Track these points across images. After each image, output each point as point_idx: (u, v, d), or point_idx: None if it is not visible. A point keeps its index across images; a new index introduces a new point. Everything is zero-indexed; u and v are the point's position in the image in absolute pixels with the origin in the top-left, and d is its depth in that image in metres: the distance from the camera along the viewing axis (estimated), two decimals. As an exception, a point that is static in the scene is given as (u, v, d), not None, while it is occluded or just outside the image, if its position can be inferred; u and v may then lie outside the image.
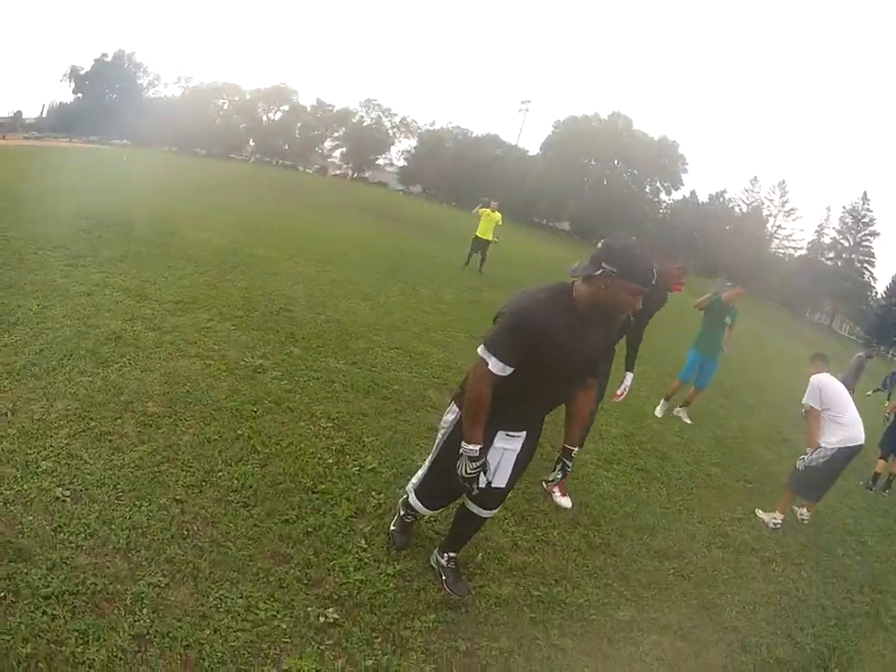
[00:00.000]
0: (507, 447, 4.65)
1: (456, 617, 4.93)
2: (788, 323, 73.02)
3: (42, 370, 7.03)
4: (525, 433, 4.71)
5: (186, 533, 4.99)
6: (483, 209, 23.83)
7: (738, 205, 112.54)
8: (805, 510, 8.98)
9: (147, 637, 4.03)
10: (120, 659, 3.85)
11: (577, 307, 4.16)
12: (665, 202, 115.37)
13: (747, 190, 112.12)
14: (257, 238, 18.99)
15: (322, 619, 4.53)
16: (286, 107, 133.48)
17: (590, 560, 6.25)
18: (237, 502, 5.53)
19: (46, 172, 29.40)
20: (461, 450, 4.41)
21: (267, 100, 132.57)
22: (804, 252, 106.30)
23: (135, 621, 4.10)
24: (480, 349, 4.29)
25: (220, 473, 5.88)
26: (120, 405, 6.65)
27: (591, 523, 7.01)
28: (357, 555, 5.28)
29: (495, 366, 4.21)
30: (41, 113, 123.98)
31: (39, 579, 4.22)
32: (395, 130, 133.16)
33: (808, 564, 7.66)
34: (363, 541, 5.47)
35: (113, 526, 4.84)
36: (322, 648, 4.33)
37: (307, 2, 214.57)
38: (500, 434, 4.59)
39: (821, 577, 7.43)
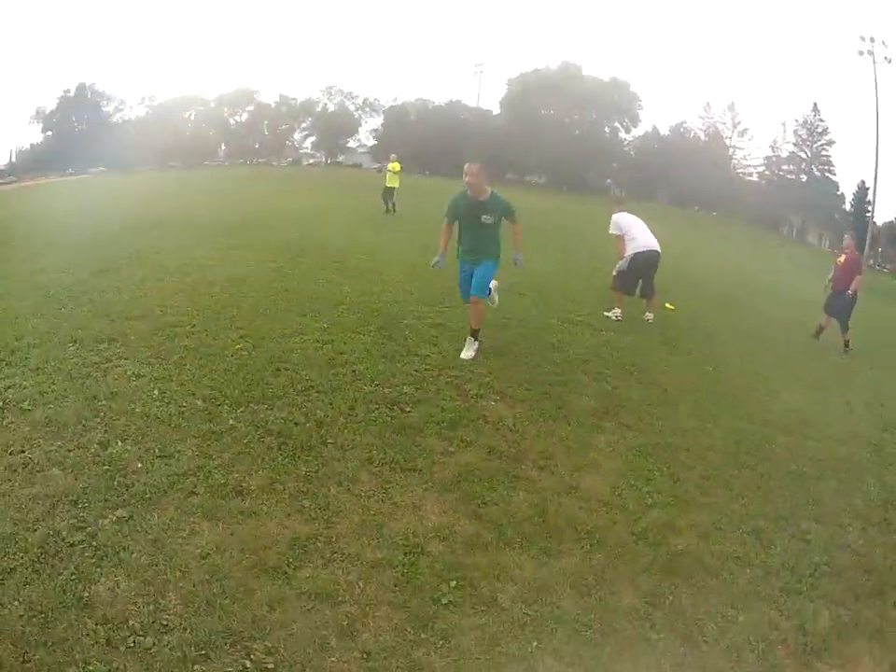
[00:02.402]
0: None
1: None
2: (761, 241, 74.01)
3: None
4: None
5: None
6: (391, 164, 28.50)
7: (696, 133, 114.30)
8: (650, 314, 13.52)
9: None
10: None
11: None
12: (626, 140, 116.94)
13: (701, 117, 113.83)
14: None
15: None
16: (250, 108, 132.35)
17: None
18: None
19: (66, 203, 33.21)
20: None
21: (231, 104, 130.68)
22: (762, 169, 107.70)
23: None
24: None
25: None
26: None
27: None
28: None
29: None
30: (10, 158, 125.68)
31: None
32: (360, 112, 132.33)
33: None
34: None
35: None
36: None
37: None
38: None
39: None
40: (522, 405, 8.01)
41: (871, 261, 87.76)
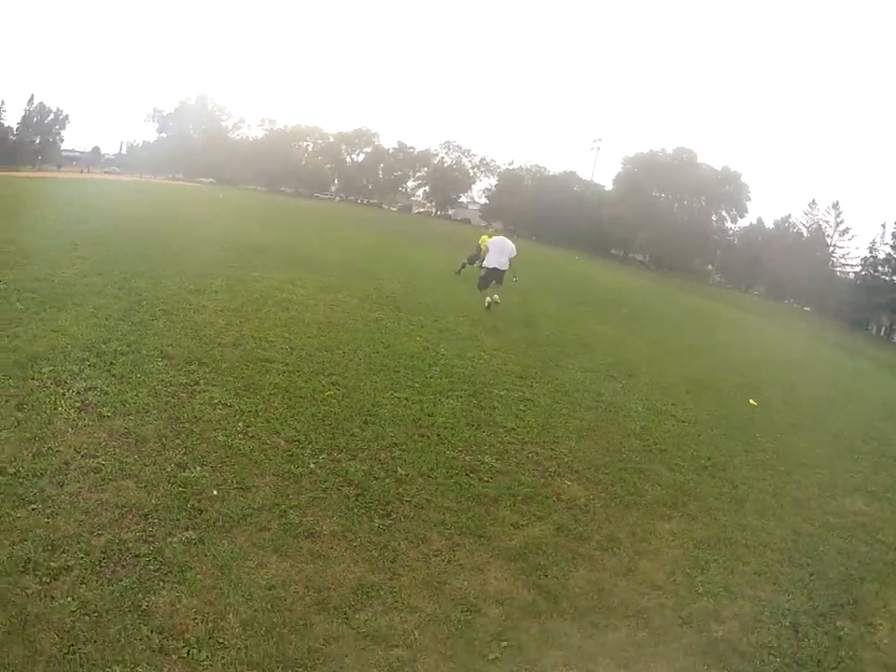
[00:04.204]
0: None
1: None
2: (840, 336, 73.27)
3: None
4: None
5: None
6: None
7: (799, 228, 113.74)
8: (489, 298, 18.87)
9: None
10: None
11: None
12: (731, 229, 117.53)
13: (806, 213, 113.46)
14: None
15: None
16: (368, 149, 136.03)
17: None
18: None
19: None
20: None
21: (349, 142, 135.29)
22: (858, 269, 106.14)
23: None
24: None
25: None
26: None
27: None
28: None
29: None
30: (119, 150, 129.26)
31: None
32: (475, 169, 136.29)
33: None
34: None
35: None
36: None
37: (385, 48, 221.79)
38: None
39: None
40: (596, 487, 8.19)
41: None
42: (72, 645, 4.07)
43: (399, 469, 7.29)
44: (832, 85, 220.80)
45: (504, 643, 4.99)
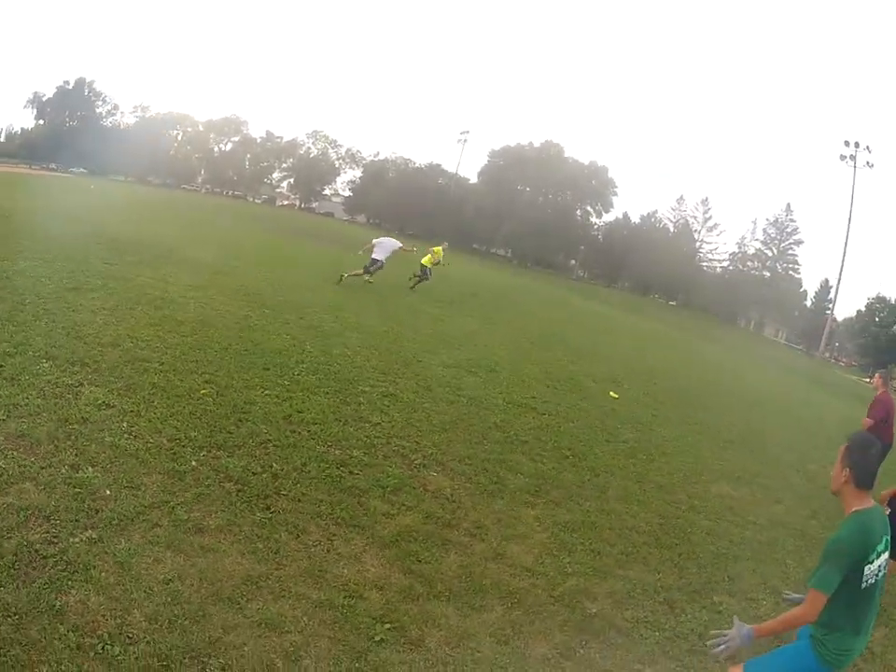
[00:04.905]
0: None
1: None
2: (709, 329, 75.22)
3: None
4: None
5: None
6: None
7: (666, 223, 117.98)
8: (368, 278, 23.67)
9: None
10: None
11: None
12: (596, 224, 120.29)
13: (673, 209, 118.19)
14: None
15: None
16: (236, 138, 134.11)
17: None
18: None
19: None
20: None
21: (219, 131, 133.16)
22: (726, 264, 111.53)
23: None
24: None
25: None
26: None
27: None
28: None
29: None
30: None
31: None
32: (341, 161, 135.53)
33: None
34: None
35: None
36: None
37: (257, 33, 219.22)
38: None
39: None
40: (460, 478, 8.55)
41: (827, 354, 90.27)
42: (1, 648, 4.21)
43: (274, 464, 7.54)
44: (702, 82, 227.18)
45: (387, 625, 5.29)
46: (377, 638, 5.13)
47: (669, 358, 30.52)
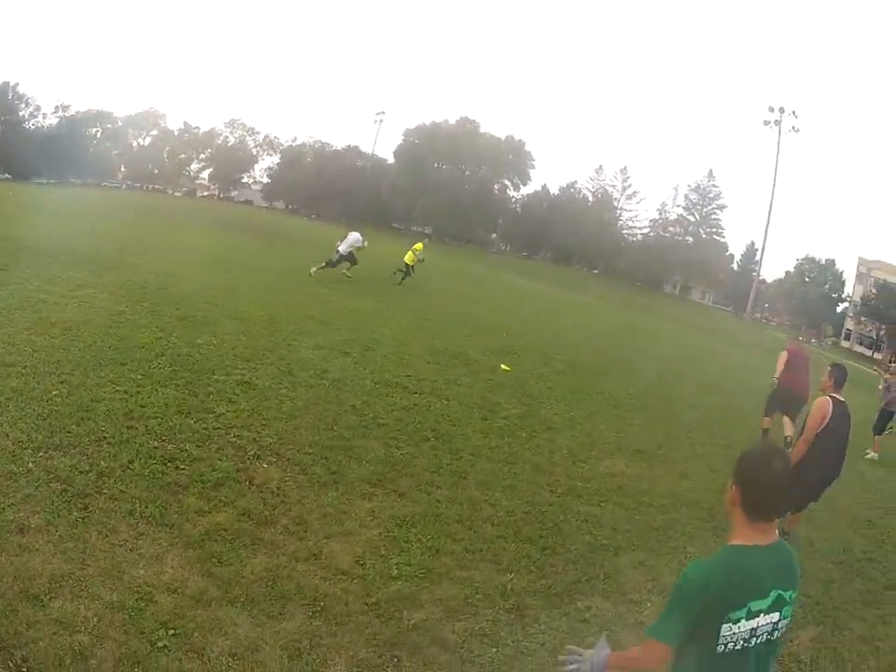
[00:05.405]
0: None
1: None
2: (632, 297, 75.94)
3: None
4: None
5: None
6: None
7: (585, 193, 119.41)
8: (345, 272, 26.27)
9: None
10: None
11: None
12: (515, 197, 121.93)
13: (592, 179, 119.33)
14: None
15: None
16: (154, 132, 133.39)
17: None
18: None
19: None
20: None
21: (137, 125, 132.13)
22: (647, 231, 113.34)
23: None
24: None
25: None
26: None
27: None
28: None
29: None
30: None
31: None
32: (258, 148, 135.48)
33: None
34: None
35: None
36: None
37: (173, 23, 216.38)
38: None
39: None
40: (294, 468, 8.22)
41: (758, 315, 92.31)
42: None
43: (102, 462, 7.39)
44: (619, 49, 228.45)
45: (172, 631, 5.12)
46: (160, 644, 4.99)
47: (581, 327, 30.82)
